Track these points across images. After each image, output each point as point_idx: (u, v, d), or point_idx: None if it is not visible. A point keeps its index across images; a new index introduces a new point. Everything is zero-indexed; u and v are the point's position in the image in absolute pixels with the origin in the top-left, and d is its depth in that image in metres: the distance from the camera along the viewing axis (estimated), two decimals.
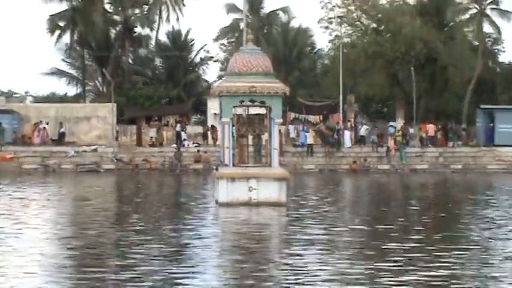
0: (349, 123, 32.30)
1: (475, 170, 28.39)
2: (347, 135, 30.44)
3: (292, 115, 32.54)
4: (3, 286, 6.39)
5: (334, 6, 36.16)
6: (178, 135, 30.67)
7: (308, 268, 7.57)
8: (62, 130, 31.04)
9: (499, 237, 10.37)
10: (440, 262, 7.75)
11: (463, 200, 18.25)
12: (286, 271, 7.43)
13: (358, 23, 37.09)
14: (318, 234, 10.96)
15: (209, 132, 31.26)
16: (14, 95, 53.15)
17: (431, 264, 7.61)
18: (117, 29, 38.69)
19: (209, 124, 32.56)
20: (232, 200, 15.54)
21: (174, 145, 29.89)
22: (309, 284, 6.60)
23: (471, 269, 7.60)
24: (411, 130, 31.64)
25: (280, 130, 21.08)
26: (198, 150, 28.77)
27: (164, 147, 30.27)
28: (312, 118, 33.29)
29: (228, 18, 40.77)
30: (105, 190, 21.91)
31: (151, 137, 31.07)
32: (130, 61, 39.32)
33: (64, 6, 37.81)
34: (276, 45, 37.91)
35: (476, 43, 37.16)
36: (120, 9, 37.80)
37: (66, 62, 40.93)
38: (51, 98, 45.37)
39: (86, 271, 7.21)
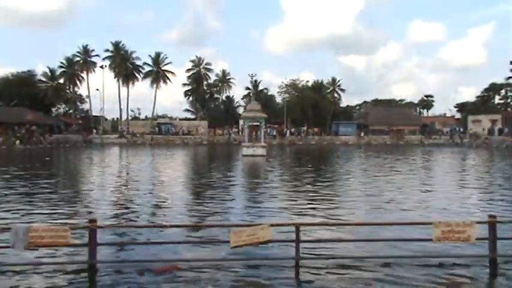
0: (287, 128, 69.78)
1: (331, 144, 60.19)
2: (287, 132, 65.88)
3: (267, 125, 63.19)
4: None
5: (285, 85, 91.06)
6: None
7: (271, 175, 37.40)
8: None
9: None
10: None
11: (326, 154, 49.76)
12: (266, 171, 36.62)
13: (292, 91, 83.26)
14: (274, 165, 39.62)
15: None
16: None
17: None
18: None
19: (240, 128, 67.42)
20: (247, 154, 44.12)
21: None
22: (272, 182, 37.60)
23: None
24: (303, 128, 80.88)
25: (265, 131, 51.67)
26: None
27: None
28: (275, 126, 65.17)
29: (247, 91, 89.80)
30: None
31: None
32: None
33: None
34: (261, 100, 74.44)
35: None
36: None
37: None
38: None
39: None
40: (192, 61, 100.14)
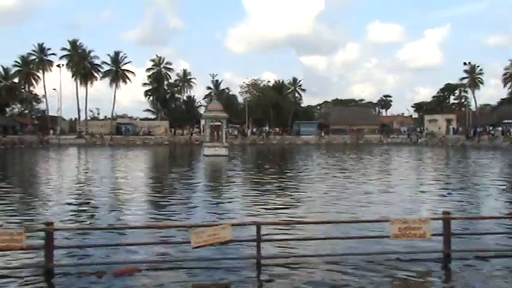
0: (249, 128, 69.59)
1: (293, 144, 62.20)
2: (249, 131, 65.04)
3: (229, 125, 63.68)
4: None
5: (246, 84, 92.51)
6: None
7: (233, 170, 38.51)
8: None
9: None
10: None
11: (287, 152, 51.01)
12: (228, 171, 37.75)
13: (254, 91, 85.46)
14: (237, 164, 39.69)
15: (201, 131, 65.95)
16: None
17: None
18: None
19: (201, 127, 67.71)
20: (209, 154, 43.81)
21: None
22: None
23: None
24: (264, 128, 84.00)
25: (226, 131, 51.42)
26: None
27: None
28: (237, 126, 65.68)
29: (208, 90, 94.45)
30: None
31: None
32: None
33: None
34: (223, 100, 73.51)
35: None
36: None
37: None
38: None
39: None
40: (153, 60, 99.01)
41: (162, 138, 79.43)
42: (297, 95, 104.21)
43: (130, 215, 13.85)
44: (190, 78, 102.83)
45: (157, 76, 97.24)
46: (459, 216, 11.70)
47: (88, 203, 16.29)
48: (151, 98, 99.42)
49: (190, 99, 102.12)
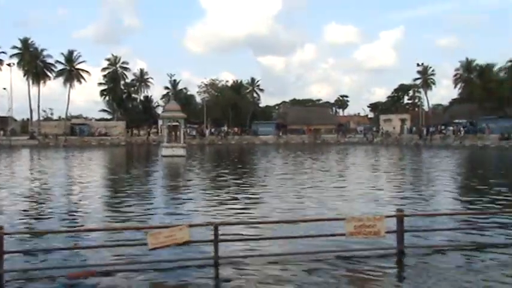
0: (207, 128, 69.80)
1: (251, 144, 63.33)
2: (207, 132, 66.48)
3: (187, 125, 62.86)
4: None
5: (205, 84, 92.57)
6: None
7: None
8: None
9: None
10: None
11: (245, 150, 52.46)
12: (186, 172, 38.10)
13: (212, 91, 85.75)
14: (195, 165, 39.45)
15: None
16: None
17: None
18: None
19: (159, 128, 65.61)
20: (166, 154, 43.59)
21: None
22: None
23: None
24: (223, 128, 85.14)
25: (184, 131, 51.75)
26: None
27: None
28: (195, 126, 65.54)
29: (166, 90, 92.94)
30: None
31: None
32: None
33: None
34: (181, 100, 70.59)
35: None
36: None
37: None
38: None
39: None
40: (108, 60, 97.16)
41: (118, 139, 78.06)
42: (255, 95, 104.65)
43: (85, 217, 13.55)
44: (147, 78, 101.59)
45: (113, 76, 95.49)
46: (412, 213, 12.02)
47: (42, 206, 15.84)
48: (107, 98, 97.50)
49: (148, 99, 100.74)
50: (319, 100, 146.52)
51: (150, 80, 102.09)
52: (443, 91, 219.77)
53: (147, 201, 16.74)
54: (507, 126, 64.60)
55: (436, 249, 9.47)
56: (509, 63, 73.51)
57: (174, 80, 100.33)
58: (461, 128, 70.87)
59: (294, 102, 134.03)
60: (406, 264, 8.74)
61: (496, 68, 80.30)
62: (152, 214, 14.02)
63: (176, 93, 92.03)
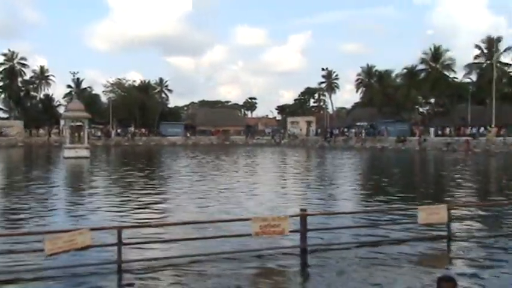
0: (113, 128, 69.01)
1: (159, 145, 68.37)
2: (113, 132, 63.78)
3: (92, 126, 60.76)
4: None
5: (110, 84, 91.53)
6: None
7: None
8: None
9: None
10: None
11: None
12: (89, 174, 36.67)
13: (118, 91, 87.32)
14: (99, 167, 38.22)
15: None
16: None
17: None
18: None
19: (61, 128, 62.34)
20: (69, 156, 41.81)
21: None
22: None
23: None
24: (130, 129, 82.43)
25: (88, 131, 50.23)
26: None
27: None
28: (100, 127, 65.21)
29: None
30: None
31: None
32: None
33: None
34: (85, 99, 70.05)
35: None
36: None
37: None
38: None
39: None
40: (4, 55, 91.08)
41: (16, 140, 73.32)
42: (163, 95, 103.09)
43: None
44: (48, 76, 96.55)
45: (10, 72, 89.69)
46: (315, 213, 12.42)
47: None
48: (2, 95, 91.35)
49: (49, 98, 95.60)
50: (228, 102, 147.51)
51: (51, 77, 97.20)
52: (347, 95, 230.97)
53: (46, 205, 15.87)
54: (403, 129, 69.03)
55: (338, 246, 9.87)
56: (405, 70, 78.46)
57: (78, 79, 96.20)
58: (363, 131, 74.48)
59: (203, 103, 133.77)
60: (309, 261, 9.02)
61: (393, 74, 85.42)
62: (52, 219, 13.32)
63: (80, 92, 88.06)
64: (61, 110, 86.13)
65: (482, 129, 63.67)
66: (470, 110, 69.90)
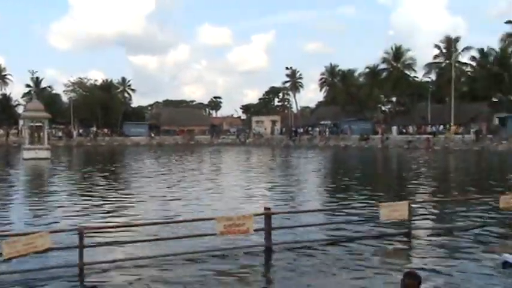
0: (75, 129, 66.58)
1: (122, 146, 66.22)
2: (75, 133, 63.84)
3: (52, 126, 59.24)
4: None
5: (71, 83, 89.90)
6: None
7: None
8: None
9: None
10: None
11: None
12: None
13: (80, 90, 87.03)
14: (60, 168, 37.45)
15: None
16: None
17: None
18: None
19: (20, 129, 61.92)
20: (28, 157, 40.81)
21: None
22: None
23: None
24: (92, 129, 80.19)
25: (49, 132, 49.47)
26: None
27: None
28: (61, 127, 64.34)
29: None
30: None
31: None
32: None
33: None
34: (45, 99, 68.63)
35: None
36: None
37: None
38: None
39: None
40: None
41: None
42: (126, 95, 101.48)
43: None
44: (5, 75, 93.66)
45: None
46: (279, 211, 12.46)
47: None
48: None
49: (6, 98, 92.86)
50: (192, 101, 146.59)
51: (8, 76, 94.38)
52: (311, 94, 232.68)
53: (4, 208, 15.41)
54: (366, 128, 70.15)
55: (302, 244, 9.94)
56: (367, 70, 79.77)
57: (37, 78, 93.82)
58: (327, 129, 75.33)
59: (168, 102, 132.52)
60: (273, 260, 9.05)
61: (356, 74, 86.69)
62: (11, 222, 12.93)
63: (39, 92, 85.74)
64: (20, 110, 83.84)
65: (441, 127, 65.39)
66: (430, 109, 71.58)
